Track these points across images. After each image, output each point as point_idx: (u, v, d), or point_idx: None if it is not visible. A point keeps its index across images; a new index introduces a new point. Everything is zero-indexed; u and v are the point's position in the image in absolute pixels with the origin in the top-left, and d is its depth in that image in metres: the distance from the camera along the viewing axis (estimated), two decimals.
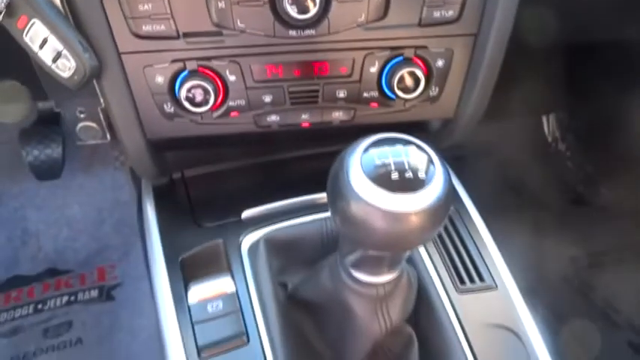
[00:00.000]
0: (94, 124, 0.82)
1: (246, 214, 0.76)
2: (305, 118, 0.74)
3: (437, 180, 0.46)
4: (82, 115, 0.81)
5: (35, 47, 0.64)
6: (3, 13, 0.62)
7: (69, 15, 0.65)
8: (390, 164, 0.46)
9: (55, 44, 0.64)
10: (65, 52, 0.64)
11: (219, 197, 0.81)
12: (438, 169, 0.47)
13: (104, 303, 1.57)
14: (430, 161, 0.48)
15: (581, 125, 1.96)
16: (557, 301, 1.49)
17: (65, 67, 0.65)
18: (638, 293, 1.52)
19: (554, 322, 1.45)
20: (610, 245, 1.73)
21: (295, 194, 0.78)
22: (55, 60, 0.65)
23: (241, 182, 0.85)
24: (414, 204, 0.45)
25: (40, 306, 1.56)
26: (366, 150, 0.48)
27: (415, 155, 0.48)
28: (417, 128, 0.76)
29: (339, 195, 0.47)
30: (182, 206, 0.81)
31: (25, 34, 0.64)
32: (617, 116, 1.70)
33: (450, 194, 0.47)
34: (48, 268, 1.68)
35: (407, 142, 0.49)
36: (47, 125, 1.64)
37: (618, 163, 1.80)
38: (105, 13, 0.64)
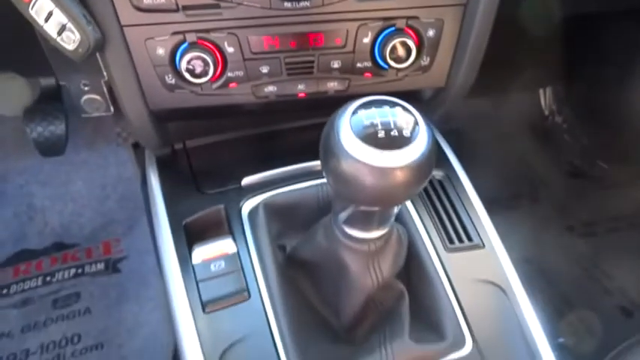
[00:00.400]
0: (97, 97, 0.85)
1: (246, 181, 0.80)
2: (301, 89, 0.77)
3: (421, 138, 0.50)
4: (86, 88, 0.84)
5: (41, 21, 0.67)
6: None
7: None
8: (377, 124, 0.49)
9: (59, 18, 0.66)
10: (70, 25, 0.66)
11: (219, 166, 0.84)
12: (422, 128, 0.51)
13: (110, 275, 1.61)
14: (415, 121, 0.51)
15: (577, 98, 1.97)
16: (551, 268, 1.53)
17: (70, 40, 0.67)
18: (630, 261, 1.56)
19: (546, 288, 1.50)
20: (605, 215, 1.76)
21: (292, 162, 0.82)
22: (60, 33, 0.67)
23: (241, 151, 0.88)
24: (400, 160, 0.48)
25: (48, 278, 1.61)
26: (355, 112, 0.51)
27: (401, 115, 0.51)
28: (409, 97, 0.78)
29: (331, 153, 0.50)
30: (184, 175, 0.84)
31: (30, 7, 0.66)
32: (613, 89, 1.72)
33: (433, 152, 0.51)
34: (55, 242, 1.72)
35: (393, 104, 0.52)
36: (50, 102, 1.67)
37: (614, 135, 1.82)
38: None
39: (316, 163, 0.81)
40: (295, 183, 0.79)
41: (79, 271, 1.63)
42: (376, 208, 0.56)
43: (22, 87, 1.12)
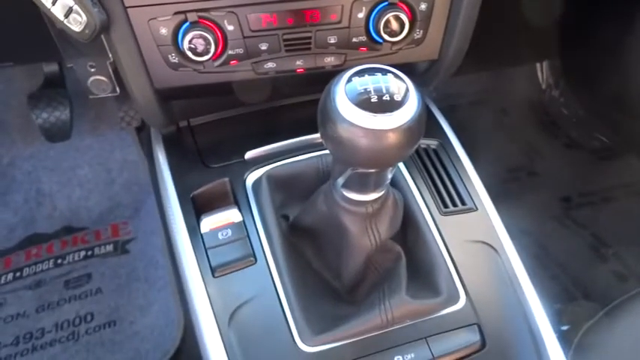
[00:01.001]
0: (103, 78, 0.88)
1: (249, 154, 0.83)
2: (299, 64, 0.80)
3: (411, 102, 0.53)
4: (92, 70, 0.87)
5: (48, 4, 0.69)
6: None
7: None
8: (369, 89, 0.53)
9: (66, 0, 0.69)
10: (76, 7, 0.69)
11: (223, 141, 0.88)
12: (412, 93, 0.54)
13: (120, 256, 1.66)
14: (405, 87, 0.54)
15: (573, 71, 1.99)
16: (548, 237, 1.57)
17: (76, 22, 0.70)
18: (626, 228, 1.60)
19: (544, 257, 1.54)
20: (601, 185, 1.80)
21: (293, 136, 0.85)
22: (66, 15, 0.70)
23: (243, 127, 0.91)
24: (392, 122, 0.52)
25: (59, 261, 1.66)
26: (349, 79, 0.54)
27: (392, 82, 0.54)
28: (404, 70, 0.81)
29: (328, 118, 0.54)
30: (190, 151, 0.87)
31: None
32: (609, 61, 1.74)
33: (423, 115, 0.54)
34: (64, 226, 1.76)
35: (385, 71, 0.55)
36: (54, 88, 1.70)
37: (611, 107, 1.84)
38: None
39: (316, 136, 0.84)
40: (296, 155, 0.83)
41: (89, 253, 1.67)
42: (372, 170, 0.59)
43: None
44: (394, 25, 0.77)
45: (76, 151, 1.84)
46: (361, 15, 0.78)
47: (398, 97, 0.53)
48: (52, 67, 1.68)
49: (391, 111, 0.52)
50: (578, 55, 1.91)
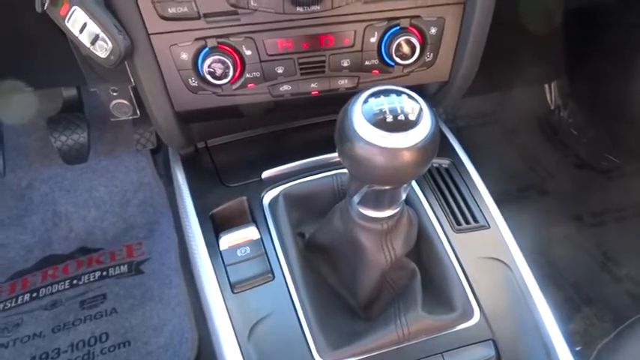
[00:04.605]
0: (125, 101, 0.92)
1: (266, 174, 0.86)
2: (314, 87, 0.83)
3: (425, 121, 0.56)
4: (114, 94, 0.91)
5: (76, 32, 0.73)
6: (47, 2, 0.71)
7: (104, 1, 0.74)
8: (385, 110, 0.55)
9: (93, 28, 0.73)
10: (102, 34, 0.73)
11: (240, 161, 0.90)
12: (426, 113, 0.56)
13: (134, 276, 1.68)
14: (419, 106, 0.57)
15: (582, 92, 2.01)
16: (561, 257, 1.57)
17: (102, 49, 0.74)
18: (637, 248, 1.59)
19: (557, 277, 1.53)
20: (613, 205, 1.80)
21: (308, 156, 0.88)
22: (93, 42, 0.74)
23: (260, 148, 0.94)
24: (407, 141, 0.55)
25: (75, 281, 1.68)
26: (365, 100, 0.57)
27: (406, 102, 0.57)
28: (415, 91, 0.84)
29: (345, 137, 0.56)
30: (208, 170, 0.90)
31: (66, 20, 0.73)
32: (617, 82, 1.75)
33: (437, 134, 0.57)
34: (79, 247, 1.79)
35: (399, 92, 0.58)
36: (72, 112, 1.75)
37: (620, 126, 1.85)
38: (137, 1, 0.73)
39: (330, 156, 0.87)
40: (311, 174, 0.85)
41: (104, 273, 1.70)
42: (387, 187, 0.61)
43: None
44: (405, 49, 0.80)
45: (93, 173, 1.88)
46: (373, 39, 0.81)
47: (412, 117, 0.55)
48: (70, 92, 1.73)
49: (406, 130, 0.55)
50: (586, 76, 1.93)
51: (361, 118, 0.55)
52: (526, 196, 1.85)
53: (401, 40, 0.79)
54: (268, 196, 0.83)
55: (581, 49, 1.85)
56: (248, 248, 0.76)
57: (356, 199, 0.65)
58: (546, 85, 2.18)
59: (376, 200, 0.64)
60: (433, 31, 0.81)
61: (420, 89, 0.88)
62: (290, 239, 0.77)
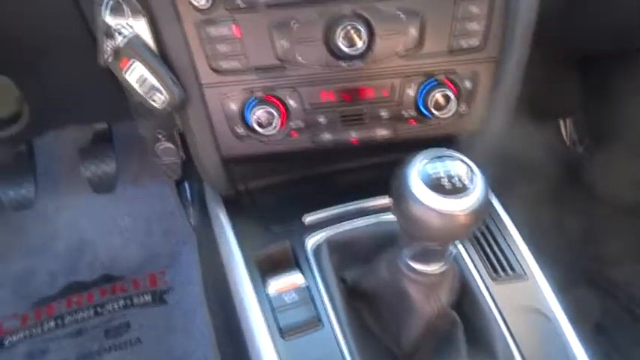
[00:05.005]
0: (171, 145, 0.96)
1: (309, 219, 0.89)
2: (354, 136, 0.87)
3: (478, 187, 0.59)
4: (161, 137, 0.95)
5: (134, 83, 0.78)
6: (111, 57, 0.76)
7: (161, 56, 0.79)
8: (441, 174, 0.59)
9: (151, 80, 0.77)
10: (159, 86, 0.77)
11: (282, 204, 0.93)
12: (479, 178, 0.60)
13: (158, 306, 1.70)
14: (472, 172, 0.60)
15: (598, 127, 2.03)
16: (581, 299, 1.57)
17: (158, 99, 0.78)
18: None
19: (580, 320, 1.54)
20: (633, 244, 1.80)
21: (349, 200, 0.91)
22: (149, 93, 0.78)
23: (301, 191, 0.97)
24: (462, 205, 0.58)
25: (99, 309, 1.71)
26: (422, 163, 0.61)
27: (460, 167, 0.60)
28: (449, 141, 0.88)
29: (403, 199, 0.60)
30: (250, 213, 0.93)
31: (125, 72, 0.78)
32: (634, 117, 1.78)
33: (488, 197, 0.60)
34: (103, 275, 1.82)
35: (454, 157, 0.61)
36: (102, 143, 1.81)
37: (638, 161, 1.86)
38: (191, 55, 0.78)
39: (372, 202, 0.90)
40: (354, 220, 0.88)
41: (128, 302, 1.72)
42: (439, 246, 0.65)
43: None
44: (441, 101, 0.83)
45: (118, 202, 1.92)
46: (411, 92, 0.85)
47: (466, 182, 0.59)
48: (101, 124, 1.79)
49: (461, 194, 0.58)
50: (603, 112, 1.95)
51: (418, 180, 0.59)
52: (545, 235, 1.86)
53: (437, 93, 0.83)
54: (312, 242, 0.86)
55: (596, 85, 1.88)
56: (295, 294, 0.79)
57: (406, 252, 0.68)
58: (562, 121, 2.20)
59: (426, 255, 0.67)
60: (468, 84, 0.85)
61: (452, 138, 0.92)
62: (335, 286, 0.79)
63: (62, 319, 1.68)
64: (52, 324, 1.67)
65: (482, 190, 0.59)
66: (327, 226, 0.87)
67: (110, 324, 1.65)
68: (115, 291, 1.78)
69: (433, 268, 0.68)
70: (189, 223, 1.85)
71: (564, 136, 2.17)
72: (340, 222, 0.87)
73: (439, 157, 0.61)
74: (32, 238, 1.85)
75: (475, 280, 0.82)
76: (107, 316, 1.68)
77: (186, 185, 1.98)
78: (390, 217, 0.84)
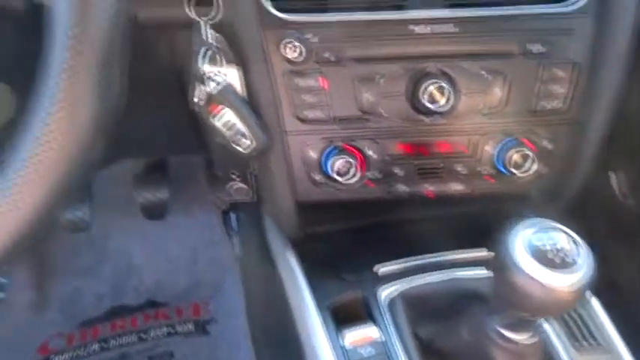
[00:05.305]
0: (244, 186, 0.98)
1: (382, 270, 0.89)
2: (429, 188, 0.88)
3: (586, 262, 0.58)
4: (236, 178, 0.98)
5: (222, 128, 0.80)
6: (203, 102, 0.79)
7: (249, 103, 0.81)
8: (547, 246, 0.58)
9: (239, 126, 0.80)
10: (246, 132, 0.80)
11: (353, 251, 0.94)
12: (587, 253, 0.59)
13: (201, 337, 1.71)
14: (579, 246, 0.60)
15: None
16: None
17: (244, 144, 0.80)
18: None
19: None
20: None
21: (424, 252, 0.90)
22: (235, 137, 0.81)
23: (372, 238, 0.97)
24: (570, 281, 0.57)
25: (143, 335, 1.72)
26: (527, 233, 0.60)
27: (566, 240, 0.60)
28: (525, 198, 0.88)
29: (506, 267, 0.59)
30: (319, 259, 0.93)
31: (214, 117, 0.80)
32: None
33: (594, 273, 0.59)
34: (148, 300, 1.84)
35: (559, 229, 0.61)
36: (156, 172, 1.85)
37: None
38: (277, 103, 0.81)
39: (448, 256, 0.90)
40: (429, 273, 0.88)
41: (171, 330, 1.73)
42: (533, 317, 0.64)
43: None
44: (520, 160, 0.83)
45: (166, 228, 1.95)
46: (489, 149, 0.85)
47: (575, 256, 0.58)
48: (153, 158, 1.84)
49: (570, 269, 0.57)
50: None
51: (525, 251, 0.59)
52: (598, 290, 1.81)
53: (516, 152, 0.83)
54: (385, 294, 0.85)
55: None
56: (372, 348, 0.78)
57: (497, 319, 0.67)
58: (611, 173, 2.15)
59: (520, 325, 0.66)
60: (548, 145, 0.85)
61: (530, 196, 0.92)
62: (411, 343, 0.78)
63: (106, 342, 1.70)
64: (97, 347, 1.69)
65: (591, 266, 0.58)
66: (400, 277, 0.86)
67: (154, 351, 1.66)
68: (158, 317, 1.79)
69: (522, 337, 0.67)
70: (233, 253, 1.86)
71: (614, 189, 2.12)
72: (414, 274, 0.87)
73: (544, 227, 0.61)
74: (83, 260, 1.89)
75: (556, 347, 0.80)
76: (151, 343, 1.69)
77: (232, 215, 2.01)
78: (466, 273, 0.83)
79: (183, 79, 0.83)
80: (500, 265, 0.60)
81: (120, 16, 0.50)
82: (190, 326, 1.75)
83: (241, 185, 0.98)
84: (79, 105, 0.46)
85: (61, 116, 0.46)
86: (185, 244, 1.95)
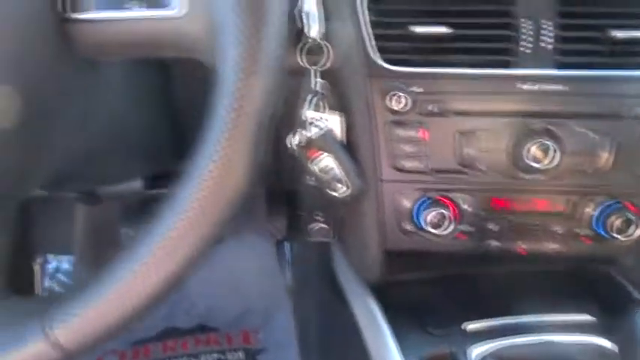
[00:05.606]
0: (326, 226, 0.98)
1: (470, 327, 0.86)
2: (522, 246, 0.85)
3: None
4: (319, 219, 0.97)
5: (319, 172, 0.81)
6: (303, 142, 0.80)
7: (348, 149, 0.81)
8: None
9: (336, 172, 0.79)
10: (343, 178, 0.80)
11: (438, 304, 0.91)
12: None
13: None
14: None
15: None
16: None
17: (339, 190, 0.80)
18: None
19: None
20: None
21: (515, 311, 0.88)
22: (331, 182, 0.81)
23: (459, 290, 0.94)
24: None
25: (193, 359, 1.73)
26: None
27: None
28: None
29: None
30: (402, 308, 0.92)
31: (312, 162, 0.81)
32: None
33: None
34: (199, 324, 1.85)
35: None
36: None
37: None
38: (376, 152, 0.80)
39: (543, 317, 0.86)
40: (521, 335, 0.85)
41: (222, 357, 1.73)
42: None
43: None
44: (621, 225, 0.80)
45: (222, 254, 1.97)
46: (589, 210, 0.82)
47: None
48: None
49: None
50: None
51: None
52: None
53: (617, 216, 0.80)
54: (477, 353, 0.82)
55: None
56: None
57: None
58: None
59: None
60: None
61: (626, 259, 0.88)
62: None
63: None
64: None
65: None
66: (490, 337, 0.84)
67: None
68: (209, 342, 1.80)
69: None
70: (284, 283, 1.85)
71: None
72: (505, 334, 0.84)
73: None
74: None
75: None
76: None
77: (286, 245, 2.01)
78: (562, 337, 0.80)
79: (280, 123, 0.84)
80: (624, 342, 0.58)
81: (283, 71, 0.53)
82: (241, 355, 1.75)
83: (323, 226, 0.97)
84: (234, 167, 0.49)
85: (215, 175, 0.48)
86: (237, 271, 1.96)
